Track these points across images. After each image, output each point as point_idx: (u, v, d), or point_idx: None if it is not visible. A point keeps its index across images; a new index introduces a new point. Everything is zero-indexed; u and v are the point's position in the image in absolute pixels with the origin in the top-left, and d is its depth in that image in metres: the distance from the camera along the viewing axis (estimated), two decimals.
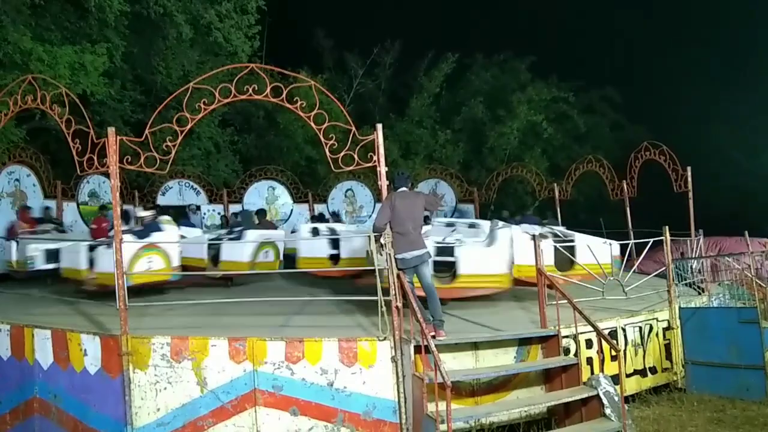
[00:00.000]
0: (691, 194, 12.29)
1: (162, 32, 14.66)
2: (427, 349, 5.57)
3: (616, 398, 6.06)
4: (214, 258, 10.55)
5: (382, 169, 6.46)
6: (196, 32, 14.72)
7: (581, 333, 6.88)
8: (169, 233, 9.31)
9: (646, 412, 7.17)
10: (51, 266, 10.09)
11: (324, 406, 6.07)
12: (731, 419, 6.91)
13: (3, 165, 12.65)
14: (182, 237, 10.26)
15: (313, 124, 6.60)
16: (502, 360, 6.66)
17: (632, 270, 8.74)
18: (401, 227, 6.43)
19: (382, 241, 6.45)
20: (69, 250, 9.44)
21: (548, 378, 6.73)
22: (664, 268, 8.82)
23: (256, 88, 6.59)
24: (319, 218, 14.46)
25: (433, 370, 5.38)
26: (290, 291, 10.14)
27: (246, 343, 6.15)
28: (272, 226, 12.16)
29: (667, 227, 8.82)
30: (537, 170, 17.59)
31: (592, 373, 6.88)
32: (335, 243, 10.24)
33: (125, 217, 10.10)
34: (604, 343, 6.55)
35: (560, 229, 11.56)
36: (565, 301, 6.69)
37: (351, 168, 6.65)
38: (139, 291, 8.39)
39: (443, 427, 5.22)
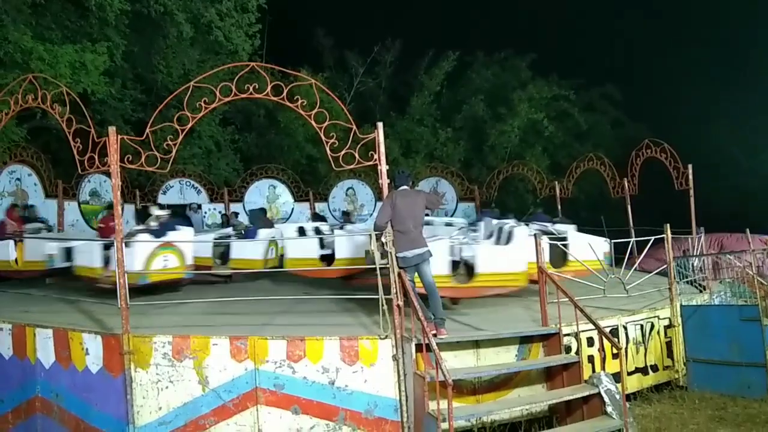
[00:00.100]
0: (692, 192, 12.28)
1: (162, 31, 14.64)
2: (429, 348, 5.57)
3: (618, 396, 6.07)
4: (222, 256, 10.68)
5: (383, 168, 6.46)
6: (196, 31, 14.70)
7: (582, 331, 6.88)
8: (185, 232, 9.55)
9: (647, 410, 7.18)
10: (67, 264, 10.07)
11: (325, 404, 6.08)
12: (732, 417, 6.91)
13: (4, 164, 12.65)
14: None
15: (313, 123, 6.60)
16: (504, 358, 6.66)
17: (633, 268, 8.73)
18: (402, 226, 6.44)
19: (383, 239, 6.44)
20: (83, 248, 9.45)
21: (549, 376, 6.73)
22: (665, 266, 8.81)
23: (257, 87, 6.59)
24: (320, 218, 14.44)
25: (435, 368, 5.39)
26: (290, 290, 10.14)
27: (247, 341, 6.16)
28: (271, 224, 12.20)
29: (668, 225, 8.81)
30: (538, 168, 17.58)
31: (594, 371, 6.89)
32: (328, 243, 10.10)
33: (144, 216, 10.22)
34: (605, 341, 6.55)
35: (570, 227, 11.69)
36: (567, 299, 6.69)
37: (352, 166, 6.66)
38: (146, 290, 8.53)
39: (444, 425, 5.23)
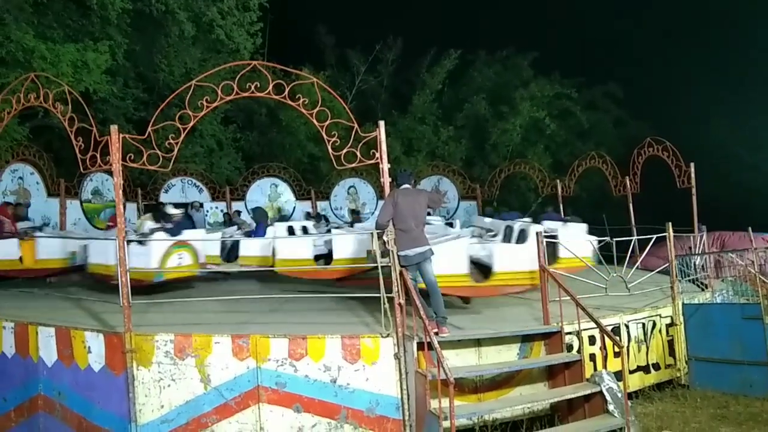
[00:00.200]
0: (694, 190, 12.26)
1: (164, 30, 14.66)
2: (430, 346, 5.57)
3: (620, 395, 6.07)
4: (228, 254, 10.82)
5: (385, 166, 6.46)
6: (198, 30, 14.72)
7: (584, 329, 6.89)
8: (199, 231, 9.87)
9: (649, 409, 7.17)
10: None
11: (327, 402, 6.08)
12: (735, 415, 6.91)
13: (6, 163, 12.67)
14: None
15: (315, 122, 6.60)
16: (505, 357, 6.66)
17: (635, 266, 8.72)
18: (404, 224, 6.44)
19: (384, 238, 6.45)
20: (97, 246, 9.52)
21: (551, 374, 6.73)
22: (667, 265, 8.80)
23: (259, 86, 6.59)
24: (320, 217, 14.44)
25: (436, 366, 5.39)
26: (291, 289, 10.14)
27: (249, 340, 6.16)
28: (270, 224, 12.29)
29: (670, 223, 8.81)
30: (540, 167, 17.57)
31: (595, 369, 6.89)
32: (324, 242, 10.01)
33: (160, 215, 10.30)
34: (607, 339, 6.54)
35: (582, 225, 11.76)
36: (568, 297, 6.69)
37: (353, 165, 6.66)
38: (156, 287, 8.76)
39: (446, 423, 5.23)
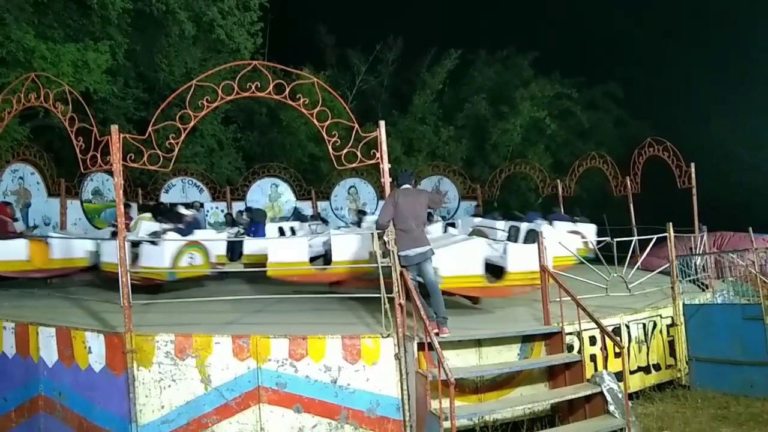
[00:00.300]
0: (694, 190, 12.25)
1: (164, 29, 14.64)
2: (431, 347, 5.57)
3: (620, 395, 6.06)
4: (232, 253, 10.98)
5: (385, 166, 6.46)
6: (198, 29, 14.70)
7: (585, 330, 6.88)
8: (209, 232, 10.07)
9: (649, 409, 7.17)
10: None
11: (327, 403, 6.08)
12: (735, 416, 6.90)
13: (7, 163, 12.67)
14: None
15: (315, 121, 6.59)
16: (506, 357, 6.66)
17: (636, 266, 8.72)
18: (404, 224, 6.44)
19: (385, 238, 6.44)
20: (111, 245, 9.52)
21: (552, 375, 6.73)
22: (667, 265, 8.80)
23: (259, 86, 6.58)
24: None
25: (437, 367, 5.39)
26: (290, 289, 10.14)
27: (250, 340, 6.16)
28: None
29: (670, 223, 8.80)
30: (540, 167, 17.57)
31: (596, 370, 6.88)
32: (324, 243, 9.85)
33: (172, 216, 10.61)
34: (607, 340, 6.54)
35: (591, 226, 12.16)
36: (569, 297, 6.69)
37: (354, 165, 6.66)
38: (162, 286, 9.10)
39: (447, 424, 5.22)
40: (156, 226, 10.47)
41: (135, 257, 9.24)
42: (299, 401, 6.08)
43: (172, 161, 6.49)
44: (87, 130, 6.45)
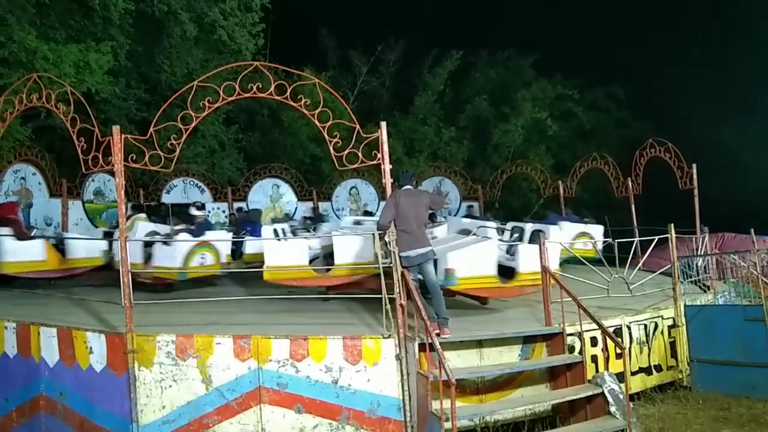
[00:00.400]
0: (696, 191, 12.24)
1: (166, 30, 14.65)
2: (432, 347, 5.56)
3: (621, 396, 6.06)
4: (234, 253, 11.11)
5: (387, 167, 6.46)
6: (200, 30, 14.71)
7: (586, 331, 6.87)
8: (220, 232, 10.27)
9: (651, 410, 7.16)
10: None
11: (328, 403, 6.08)
12: (737, 417, 6.89)
13: (9, 163, 12.70)
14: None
15: (317, 122, 6.60)
16: (507, 358, 6.66)
17: (637, 267, 8.72)
18: (406, 225, 6.44)
19: (386, 239, 6.45)
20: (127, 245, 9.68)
21: (553, 376, 6.72)
22: (669, 266, 8.79)
23: (260, 86, 6.58)
24: (317, 218, 14.41)
25: (438, 367, 5.39)
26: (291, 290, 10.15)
27: (251, 341, 6.17)
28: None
29: (672, 225, 8.79)
30: (542, 168, 17.56)
31: (597, 371, 6.88)
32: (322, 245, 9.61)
33: (184, 217, 10.95)
34: (608, 340, 6.54)
35: (599, 227, 12.46)
36: (570, 298, 6.68)
37: (355, 166, 6.66)
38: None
39: (448, 425, 5.22)
40: (152, 226, 10.73)
41: (148, 257, 9.56)
42: (300, 402, 6.08)
43: (174, 162, 6.50)
44: (89, 131, 6.46)
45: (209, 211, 16.24)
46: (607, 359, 6.84)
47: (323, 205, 17.37)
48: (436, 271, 7.52)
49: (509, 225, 11.60)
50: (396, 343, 6.17)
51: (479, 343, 6.55)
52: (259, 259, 10.21)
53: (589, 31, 24.65)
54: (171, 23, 14.28)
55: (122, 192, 6.45)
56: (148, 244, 9.63)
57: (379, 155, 6.45)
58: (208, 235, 9.89)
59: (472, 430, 6.22)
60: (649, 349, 8.01)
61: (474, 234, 9.37)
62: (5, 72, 11.20)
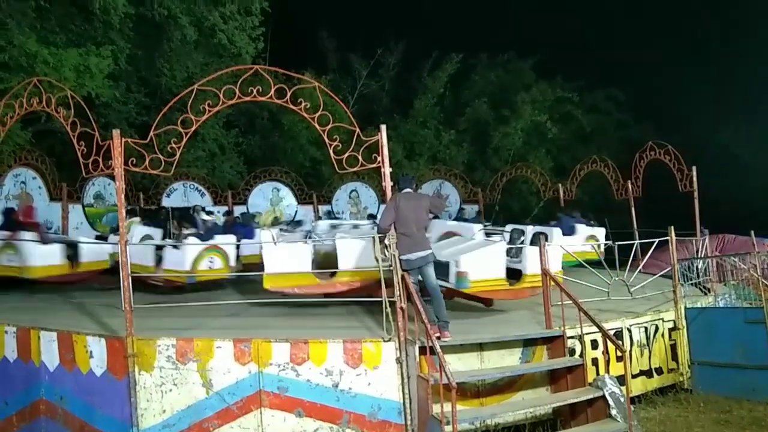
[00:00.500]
0: (696, 194, 12.24)
1: (166, 34, 14.67)
2: (432, 350, 5.56)
3: (622, 399, 6.05)
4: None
5: (387, 170, 6.47)
6: (200, 34, 14.74)
7: (586, 334, 6.87)
8: (229, 236, 10.34)
9: (652, 413, 7.15)
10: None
11: (329, 407, 6.08)
12: (738, 420, 6.89)
13: (9, 167, 12.70)
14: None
15: (317, 125, 6.61)
16: (508, 361, 6.66)
17: (638, 270, 8.71)
18: (406, 228, 6.44)
19: (386, 242, 6.45)
20: (138, 248, 9.88)
21: (553, 379, 6.72)
22: (669, 268, 8.79)
23: (261, 90, 6.60)
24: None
25: (438, 371, 5.38)
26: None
27: (251, 344, 6.16)
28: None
29: (672, 227, 8.79)
30: (541, 170, 17.56)
31: (598, 373, 6.87)
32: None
33: (192, 221, 11.08)
34: (609, 343, 6.53)
35: (601, 230, 12.70)
36: (570, 301, 6.68)
37: (355, 169, 6.67)
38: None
39: (449, 428, 5.21)
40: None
41: (159, 260, 9.73)
42: (301, 405, 6.08)
43: (174, 165, 6.51)
44: (89, 135, 6.47)
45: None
46: (607, 362, 6.84)
47: (323, 209, 17.37)
48: (448, 274, 7.55)
49: (508, 227, 11.60)
50: (396, 347, 6.16)
51: (480, 346, 6.55)
52: (257, 260, 10.32)
53: (589, 32, 24.64)
54: (171, 27, 14.31)
55: (122, 196, 6.46)
56: (159, 248, 9.80)
57: (379, 158, 6.46)
58: (217, 240, 10.02)
59: None
60: (650, 352, 8.00)
61: (458, 236, 9.47)
62: (5, 76, 11.22)
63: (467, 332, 6.82)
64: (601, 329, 6.46)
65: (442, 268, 7.65)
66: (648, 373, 7.93)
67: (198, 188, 16.70)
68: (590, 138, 22.21)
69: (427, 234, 7.02)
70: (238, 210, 16.32)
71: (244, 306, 8.27)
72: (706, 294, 9.84)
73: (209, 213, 10.83)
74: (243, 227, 11.83)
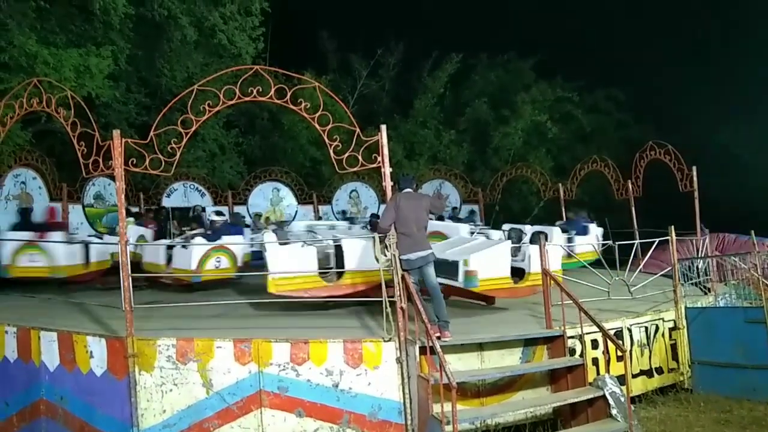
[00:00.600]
0: (696, 194, 12.24)
1: (166, 35, 14.66)
2: (432, 350, 5.56)
3: (622, 399, 6.05)
4: None
5: (387, 170, 6.47)
6: (200, 34, 14.72)
7: (587, 333, 6.87)
8: (237, 237, 10.48)
9: (652, 413, 7.15)
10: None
11: (329, 407, 6.08)
12: (738, 420, 6.89)
13: (9, 168, 12.69)
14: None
15: (317, 126, 6.61)
16: (508, 361, 6.66)
17: (638, 270, 8.71)
18: (406, 228, 6.44)
19: (386, 242, 6.45)
20: (150, 247, 10.30)
21: (554, 379, 6.72)
22: (669, 268, 8.79)
23: (261, 90, 6.60)
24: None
25: (439, 371, 5.38)
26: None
27: (251, 344, 6.17)
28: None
29: (672, 227, 8.79)
30: (542, 170, 17.54)
31: (598, 373, 6.87)
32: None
33: (199, 221, 11.37)
34: (609, 343, 6.53)
35: (599, 229, 12.89)
36: (571, 301, 6.68)
37: (355, 169, 6.67)
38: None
39: (449, 428, 5.21)
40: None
41: (169, 258, 9.92)
42: (301, 405, 6.08)
43: (174, 165, 6.50)
44: (89, 135, 6.47)
45: (209, 215, 16.25)
46: (608, 362, 6.84)
47: (323, 209, 17.38)
48: (456, 273, 7.57)
49: (506, 227, 11.66)
50: (397, 347, 6.16)
51: (480, 346, 6.55)
52: (247, 259, 10.59)
53: (589, 32, 24.62)
54: (171, 27, 14.30)
55: (123, 196, 6.46)
56: (170, 247, 9.99)
57: (379, 158, 6.46)
58: (224, 240, 10.08)
59: None
60: (650, 352, 8.01)
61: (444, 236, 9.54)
62: (5, 76, 11.21)
63: (467, 332, 6.82)
64: (601, 329, 6.46)
65: (450, 267, 7.72)
66: (648, 373, 7.94)
67: (198, 188, 16.70)
68: (590, 138, 22.19)
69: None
70: (237, 210, 16.34)
71: (244, 306, 8.28)
72: (706, 294, 9.85)
73: (219, 213, 10.89)
74: (233, 227, 11.83)
